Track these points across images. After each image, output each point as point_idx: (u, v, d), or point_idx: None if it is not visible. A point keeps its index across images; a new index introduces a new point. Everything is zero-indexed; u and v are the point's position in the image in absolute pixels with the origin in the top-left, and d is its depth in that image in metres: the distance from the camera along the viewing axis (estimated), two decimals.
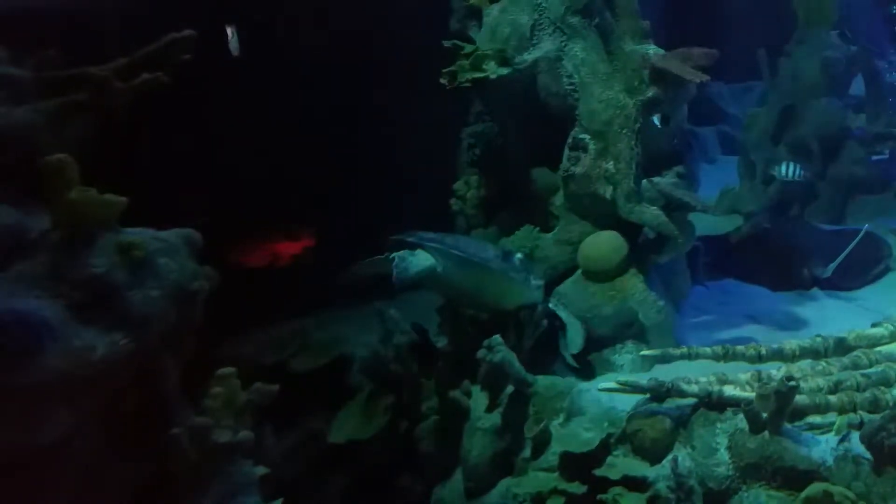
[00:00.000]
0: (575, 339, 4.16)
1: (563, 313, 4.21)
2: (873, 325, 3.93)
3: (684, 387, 3.43)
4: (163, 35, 2.74)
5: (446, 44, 4.43)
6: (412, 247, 4.04)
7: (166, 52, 2.74)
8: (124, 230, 2.46)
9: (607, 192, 4.30)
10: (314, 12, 5.55)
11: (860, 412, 3.31)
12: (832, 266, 5.22)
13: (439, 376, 4.36)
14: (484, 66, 4.27)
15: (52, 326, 2.16)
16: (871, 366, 3.58)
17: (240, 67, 5.15)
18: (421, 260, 3.98)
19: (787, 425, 3.18)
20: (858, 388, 3.42)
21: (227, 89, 5.04)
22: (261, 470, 2.76)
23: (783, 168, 5.81)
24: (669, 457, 3.35)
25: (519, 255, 4.20)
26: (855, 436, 3.13)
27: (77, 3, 4.12)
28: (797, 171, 5.75)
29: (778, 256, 5.66)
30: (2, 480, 2.16)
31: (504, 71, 4.29)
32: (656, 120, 4.29)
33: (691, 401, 3.44)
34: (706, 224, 5.67)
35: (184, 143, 4.94)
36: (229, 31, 5.04)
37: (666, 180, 4.43)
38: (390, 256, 4.04)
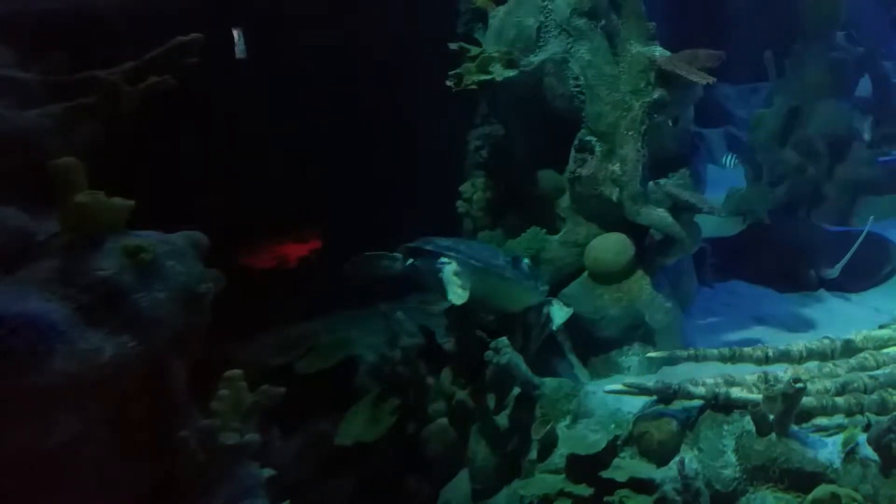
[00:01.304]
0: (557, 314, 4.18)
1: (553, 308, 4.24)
2: (881, 327, 3.92)
3: (691, 388, 3.42)
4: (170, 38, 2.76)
5: (452, 46, 4.43)
6: (428, 255, 4.03)
7: (173, 56, 2.75)
8: (132, 233, 2.47)
9: (613, 193, 4.30)
10: (321, 16, 5.56)
11: (867, 414, 3.31)
12: (839, 266, 5.20)
13: (446, 378, 4.37)
14: (490, 69, 4.27)
15: (60, 329, 2.17)
16: (878, 367, 3.57)
17: (247, 70, 5.17)
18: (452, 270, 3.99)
19: (794, 427, 3.17)
20: (866, 390, 3.41)
21: (233, 92, 5.05)
22: (268, 472, 2.77)
23: (723, 160, 6.41)
24: (676, 459, 3.35)
25: (527, 261, 4.22)
26: (862, 438, 3.12)
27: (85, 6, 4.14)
28: (732, 160, 6.36)
29: (784, 258, 5.64)
30: (11, 482, 2.17)
31: (510, 73, 4.29)
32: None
33: (698, 403, 3.44)
34: (713, 225, 5.67)
35: (191, 145, 4.95)
36: (235, 33, 5.06)
37: (672, 182, 4.43)
38: (408, 262, 4.05)
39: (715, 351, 3.74)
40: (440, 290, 3.97)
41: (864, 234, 5.23)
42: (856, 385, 3.41)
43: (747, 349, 3.73)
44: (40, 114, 2.58)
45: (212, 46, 2.93)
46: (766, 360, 3.68)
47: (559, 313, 4.21)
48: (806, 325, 4.85)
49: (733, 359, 3.70)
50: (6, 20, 2.92)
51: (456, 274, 3.90)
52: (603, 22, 4.42)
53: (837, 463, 3.07)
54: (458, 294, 3.84)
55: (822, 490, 2.99)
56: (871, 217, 5.43)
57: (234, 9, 5.15)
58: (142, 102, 2.73)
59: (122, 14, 4.30)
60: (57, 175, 2.30)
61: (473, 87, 4.29)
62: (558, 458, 3.68)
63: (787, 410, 3.08)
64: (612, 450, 3.50)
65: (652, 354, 3.97)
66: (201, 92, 3.61)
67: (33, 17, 3.07)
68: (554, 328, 4.19)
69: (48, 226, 2.38)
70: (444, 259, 3.96)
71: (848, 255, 5.17)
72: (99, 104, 2.67)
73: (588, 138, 4.39)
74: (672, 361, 3.85)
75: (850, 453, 3.08)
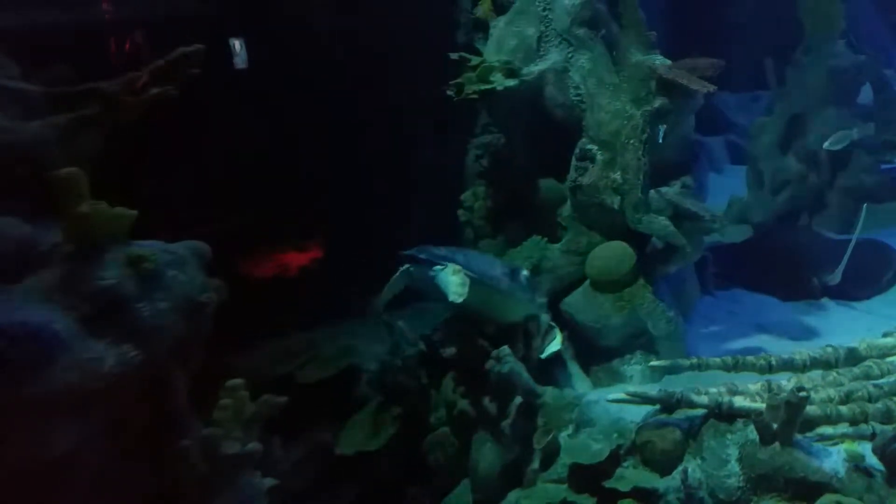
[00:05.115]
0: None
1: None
2: (884, 335, 3.91)
3: (694, 398, 3.42)
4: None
5: (453, 56, 4.44)
6: (423, 264, 4.03)
7: (175, 66, 2.76)
8: (134, 243, 2.47)
9: (615, 202, 4.30)
10: (323, 25, 5.58)
11: (872, 423, 3.29)
12: (838, 271, 5.20)
13: (448, 387, 4.36)
14: (491, 78, 4.28)
15: (62, 339, 2.17)
16: (882, 376, 3.56)
17: (249, 82, 5.19)
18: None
19: (798, 436, 3.16)
20: (870, 399, 3.40)
21: (235, 103, 5.07)
22: (269, 481, 2.76)
23: None
24: (679, 468, 3.34)
25: (525, 273, 4.23)
26: (867, 447, 3.11)
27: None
28: None
29: (787, 266, 5.64)
30: (12, 492, 2.17)
31: (511, 82, 4.30)
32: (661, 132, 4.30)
33: (701, 412, 3.43)
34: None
35: (193, 156, 4.96)
36: (238, 44, 5.08)
37: (674, 190, 4.43)
38: (408, 271, 4.05)
39: (718, 360, 3.73)
40: (436, 294, 3.97)
41: (857, 232, 5.23)
42: (860, 394, 3.40)
43: (750, 358, 3.72)
44: (43, 124, 2.59)
45: (214, 57, 2.94)
46: (770, 368, 3.67)
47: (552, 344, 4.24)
48: (809, 333, 4.85)
49: (736, 367, 3.69)
50: (9, 32, 2.93)
51: (455, 273, 3.90)
52: (603, 31, 4.44)
53: (842, 472, 3.06)
54: (457, 293, 3.84)
55: (826, 500, 2.98)
56: (865, 205, 5.42)
57: (236, 20, 5.17)
58: (144, 113, 2.74)
59: (124, 25, 4.32)
60: (60, 185, 2.31)
61: (474, 96, 4.30)
62: (561, 467, 3.67)
63: (790, 419, 3.07)
64: (614, 459, 3.49)
65: (654, 363, 3.97)
66: (204, 103, 3.62)
67: (36, 28, 3.09)
68: (542, 357, 4.18)
69: (51, 236, 2.38)
70: (437, 267, 3.96)
71: (845, 259, 5.16)
72: (101, 115, 2.68)
73: (589, 147, 4.39)
74: (675, 370, 3.84)
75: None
